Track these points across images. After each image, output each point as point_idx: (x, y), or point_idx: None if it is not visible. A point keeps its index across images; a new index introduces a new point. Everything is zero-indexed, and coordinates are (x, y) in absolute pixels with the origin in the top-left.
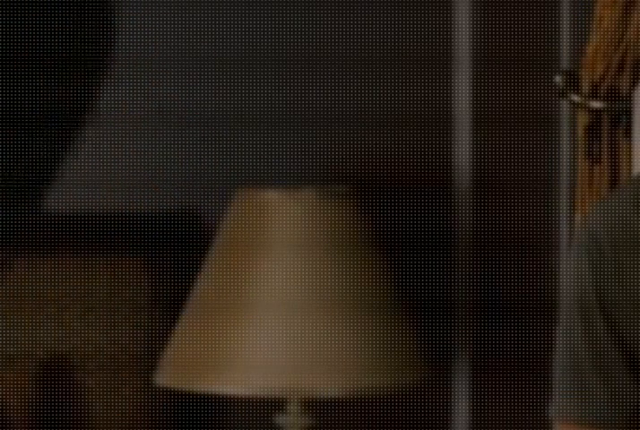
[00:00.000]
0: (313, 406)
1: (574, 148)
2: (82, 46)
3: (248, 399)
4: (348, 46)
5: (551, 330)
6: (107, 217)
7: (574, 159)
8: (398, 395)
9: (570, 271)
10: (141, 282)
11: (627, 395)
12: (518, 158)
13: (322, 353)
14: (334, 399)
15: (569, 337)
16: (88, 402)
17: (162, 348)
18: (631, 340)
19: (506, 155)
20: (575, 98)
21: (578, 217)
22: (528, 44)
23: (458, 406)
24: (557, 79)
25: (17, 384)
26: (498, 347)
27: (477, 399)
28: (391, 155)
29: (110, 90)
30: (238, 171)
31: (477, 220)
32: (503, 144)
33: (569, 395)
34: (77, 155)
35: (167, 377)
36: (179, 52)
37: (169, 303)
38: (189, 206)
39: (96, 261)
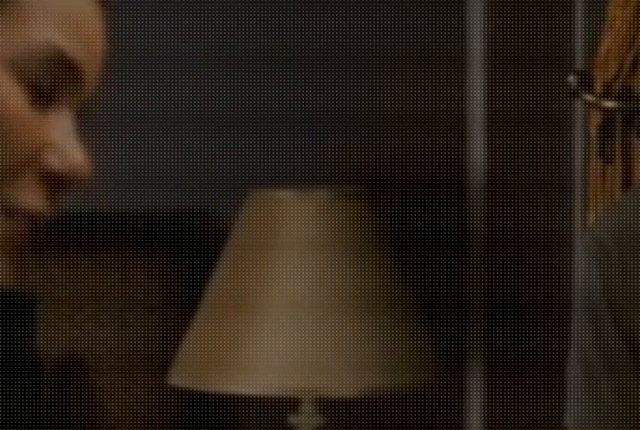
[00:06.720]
0: (326, 406)
1: (587, 148)
2: None
3: (261, 399)
4: (362, 45)
5: (565, 329)
6: (119, 217)
7: (587, 158)
8: (411, 395)
9: (578, 275)
10: (154, 282)
11: (639, 397)
12: (531, 158)
13: (335, 353)
14: (347, 398)
15: (580, 341)
16: (101, 402)
17: (175, 347)
18: None
19: (520, 155)
20: (588, 97)
21: (591, 217)
22: (541, 44)
23: (471, 406)
24: (571, 79)
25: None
26: (512, 346)
27: (490, 398)
28: (404, 155)
29: (126, 90)
30: (252, 171)
31: (490, 220)
32: (516, 144)
33: (582, 400)
34: (94, 155)
35: (180, 377)
36: (191, 50)
37: (183, 303)
38: (202, 206)
39: (109, 261)
